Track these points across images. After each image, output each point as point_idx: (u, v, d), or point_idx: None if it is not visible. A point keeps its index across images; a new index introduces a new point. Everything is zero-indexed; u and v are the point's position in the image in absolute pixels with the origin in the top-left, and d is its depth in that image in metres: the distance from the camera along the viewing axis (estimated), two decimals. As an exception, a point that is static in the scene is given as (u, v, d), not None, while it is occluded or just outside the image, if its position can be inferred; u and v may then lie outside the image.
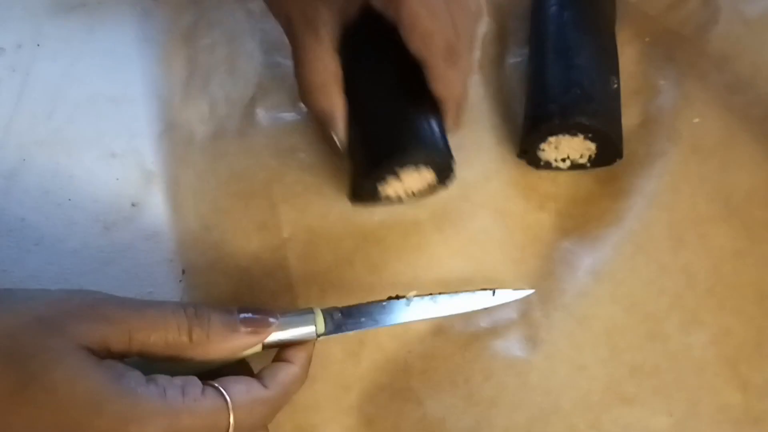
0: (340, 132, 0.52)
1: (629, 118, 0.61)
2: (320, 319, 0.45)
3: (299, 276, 0.55)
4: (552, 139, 0.57)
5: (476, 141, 0.60)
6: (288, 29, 0.52)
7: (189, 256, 0.55)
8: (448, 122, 0.53)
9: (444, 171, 0.54)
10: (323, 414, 0.51)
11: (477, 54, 0.57)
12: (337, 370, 0.52)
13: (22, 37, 0.62)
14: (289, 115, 0.62)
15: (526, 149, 0.58)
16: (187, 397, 0.37)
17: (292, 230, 0.57)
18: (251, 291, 0.54)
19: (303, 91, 0.51)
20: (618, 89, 0.58)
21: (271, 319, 0.42)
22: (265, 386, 0.41)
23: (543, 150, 0.58)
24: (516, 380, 0.52)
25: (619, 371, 0.52)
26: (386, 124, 0.52)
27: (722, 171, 0.58)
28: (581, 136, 0.56)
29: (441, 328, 0.54)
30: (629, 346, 0.52)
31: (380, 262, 0.55)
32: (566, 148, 0.57)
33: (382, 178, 0.53)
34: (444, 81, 0.50)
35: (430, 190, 0.56)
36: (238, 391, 0.39)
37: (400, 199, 0.55)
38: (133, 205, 0.56)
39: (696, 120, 0.60)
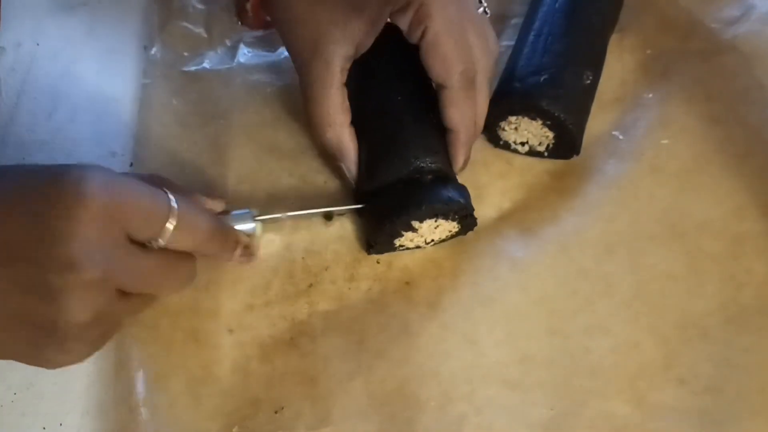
0: (350, 168, 0.53)
1: (602, 123, 0.60)
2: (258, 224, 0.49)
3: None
4: (512, 119, 0.56)
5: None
6: (300, 64, 0.52)
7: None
8: (457, 154, 0.53)
9: (464, 220, 0.53)
10: (220, 323, 0.52)
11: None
12: (247, 289, 0.53)
13: (22, 36, 0.60)
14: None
15: (487, 125, 0.57)
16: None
17: (240, 152, 0.58)
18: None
19: (313, 126, 0.52)
20: (592, 86, 0.57)
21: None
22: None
23: (504, 129, 0.57)
24: (406, 339, 0.51)
25: (510, 355, 0.51)
26: (401, 174, 0.52)
27: (678, 196, 0.57)
28: (540, 121, 0.55)
29: (352, 275, 0.53)
30: (526, 335, 0.52)
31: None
32: (525, 131, 0.57)
33: (397, 234, 0.53)
34: (459, 107, 0.51)
35: (450, 236, 0.55)
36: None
37: (417, 246, 0.55)
38: None
39: (664, 141, 0.58)
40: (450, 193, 0.51)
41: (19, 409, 0.48)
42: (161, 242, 0.40)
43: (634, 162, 0.58)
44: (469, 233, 0.55)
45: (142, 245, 0.40)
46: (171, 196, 0.41)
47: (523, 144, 0.58)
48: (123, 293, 0.40)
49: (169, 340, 0.50)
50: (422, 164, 0.51)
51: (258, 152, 0.57)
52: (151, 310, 0.50)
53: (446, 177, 0.53)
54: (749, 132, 0.58)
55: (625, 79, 0.62)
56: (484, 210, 0.56)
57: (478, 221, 0.54)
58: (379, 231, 0.52)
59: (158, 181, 0.44)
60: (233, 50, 0.62)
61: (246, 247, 0.47)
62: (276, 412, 0.49)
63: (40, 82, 0.59)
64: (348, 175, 0.53)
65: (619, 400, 0.49)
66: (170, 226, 0.40)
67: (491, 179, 0.58)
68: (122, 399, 0.48)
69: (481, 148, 0.59)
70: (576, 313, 0.52)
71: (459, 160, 0.53)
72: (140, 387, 0.49)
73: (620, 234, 0.55)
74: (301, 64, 0.51)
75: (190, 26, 0.62)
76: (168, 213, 0.40)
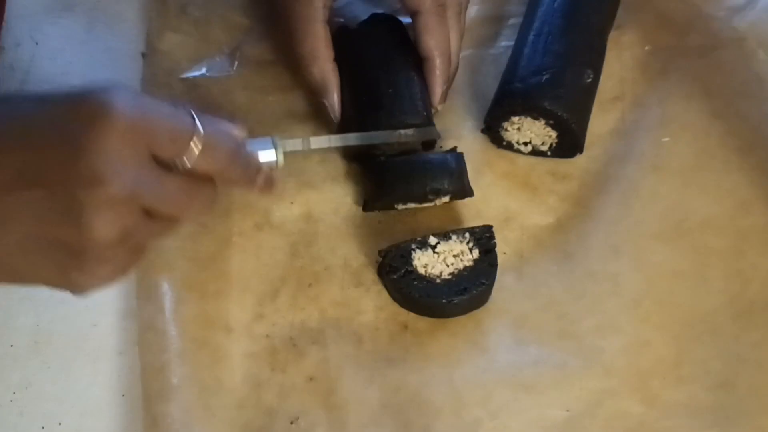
0: (333, 102, 0.55)
1: (603, 122, 0.60)
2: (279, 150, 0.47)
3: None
4: (515, 119, 0.56)
5: (449, 111, 0.59)
6: (282, 5, 0.53)
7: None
8: (434, 84, 0.55)
9: (460, 195, 0.54)
10: (229, 332, 0.51)
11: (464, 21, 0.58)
12: (255, 298, 0.52)
13: (21, 35, 0.60)
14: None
15: (490, 125, 0.58)
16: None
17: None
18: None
19: (297, 60, 0.54)
20: (592, 84, 0.57)
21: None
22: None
23: (506, 130, 0.57)
24: (417, 348, 0.51)
25: (522, 359, 0.51)
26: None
27: (681, 193, 0.57)
28: (543, 121, 0.55)
29: (360, 281, 0.53)
30: (537, 340, 0.52)
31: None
32: (528, 131, 0.57)
33: (395, 203, 0.54)
34: (432, 32, 0.54)
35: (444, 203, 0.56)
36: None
37: (414, 208, 0.56)
38: None
39: (665, 139, 0.59)
40: (449, 173, 0.53)
41: (18, 409, 0.48)
42: (186, 163, 0.39)
43: (636, 161, 0.58)
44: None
45: (166, 166, 0.39)
46: (195, 117, 0.39)
47: (526, 144, 0.58)
48: (147, 215, 0.39)
49: (180, 350, 0.50)
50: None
51: (262, 159, 0.56)
52: (160, 315, 0.50)
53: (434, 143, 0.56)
54: (750, 126, 0.59)
55: (624, 77, 0.62)
56: (489, 212, 0.56)
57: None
58: (377, 198, 0.54)
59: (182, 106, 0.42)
60: (231, 57, 0.61)
61: (267, 176, 0.45)
62: (291, 423, 0.48)
63: (39, 82, 0.58)
64: (330, 111, 0.55)
65: (633, 400, 0.49)
66: (195, 146, 0.39)
67: (495, 179, 0.58)
68: (136, 409, 0.48)
69: (485, 148, 0.59)
70: (586, 314, 0.52)
71: (437, 90, 0.55)
72: (151, 398, 0.48)
73: (625, 234, 0.55)
74: (283, 5, 0.53)
75: (187, 33, 0.62)
76: (192, 133, 0.39)
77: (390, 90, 0.54)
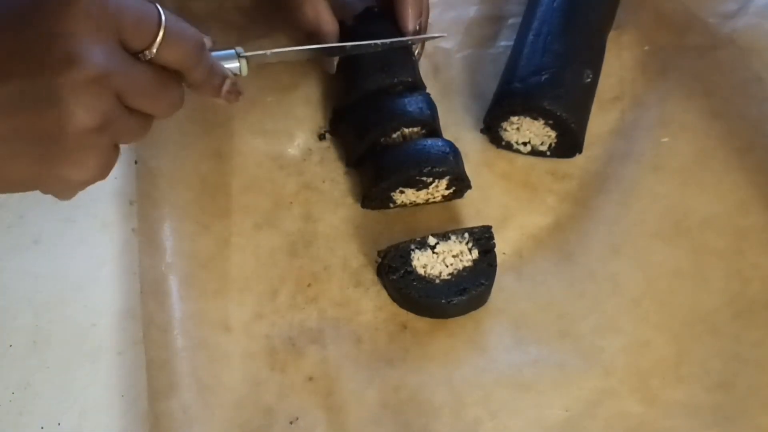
0: (330, 42, 0.54)
1: (602, 123, 0.60)
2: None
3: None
4: (514, 119, 0.56)
5: (448, 112, 0.59)
6: None
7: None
8: (405, 13, 0.55)
9: (458, 183, 0.54)
10: (228, 332, 0.51)
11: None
12: (254, 297, 0.52)
13: None
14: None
15: (489, 125, 0.57)
16: None
17: (242, 161, 0.57)
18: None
19: (289, 5, 0.54)
20: (591, 84, 0.57)
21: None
22: None
23: (506, 130, 0.57)
24: (417, 348, 0.51)
25: (521, 359, 0.51)
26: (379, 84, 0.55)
27: (681, 193, 0.57)
28: (542, 121, 0.55)
29: (359, 281, 0.53)
30: (537, 340, 0.52)
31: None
32: (527, 131, 0.56)
33: (393, 189, 0.54)
34: None
35: (444, 199, 0.56)
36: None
37: (414, 204, 0.55)
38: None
39: (665, 139, 0.58)
40: (444, 155, 0.53)
41: (17, 409, 0.48)
42: (153, 50, 0.39)
43: (636, 161, 0.58)
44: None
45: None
46: (159, 8, 0.39)
47: (525, 144, 0.58)
48: (122, 105, 0.39)
49: (179, 348, 0.49)
50: (398, 78, 0.54)
51: (261, 160, 0.56)
52: (161, 313, 0.50)
53: (416, 87, 0.56)
54: (749, 126, 0.58)
55: (624, 77, 0.62)
56: (489, 212, 0.56)
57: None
58: (374, 187, 0.53)
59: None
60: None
61: (233, 84, 0.46)
62: (291, 423, 0.48)
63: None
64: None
65: (633, 400, 0.49)
66: (160, 36, 0.39)
67: (494, 179, 0.58)
68: (135, 408, 0.48)
69: (484, 148, 0.59)
70: (585, 314, 0.52)
71: (408, 22, 0.55)
72: (152, 396, 0.48)
73: (625, 233, 0.55)
74: None
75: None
76: (158, 22, 0.39)
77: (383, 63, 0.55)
